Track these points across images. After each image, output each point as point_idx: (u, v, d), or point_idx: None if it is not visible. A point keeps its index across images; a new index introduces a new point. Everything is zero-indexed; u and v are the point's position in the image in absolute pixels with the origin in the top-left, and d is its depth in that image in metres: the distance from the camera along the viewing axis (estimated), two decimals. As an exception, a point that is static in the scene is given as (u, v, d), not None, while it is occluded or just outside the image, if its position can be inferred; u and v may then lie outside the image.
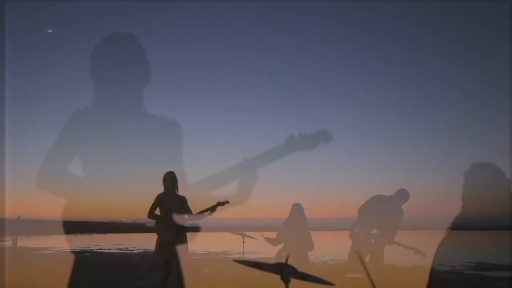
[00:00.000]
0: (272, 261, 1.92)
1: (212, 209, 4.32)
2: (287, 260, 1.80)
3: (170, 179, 4.54)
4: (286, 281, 1.72)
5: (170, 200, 4.62)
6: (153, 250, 4.74)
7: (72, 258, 2.09)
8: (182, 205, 4.57)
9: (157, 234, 4.67)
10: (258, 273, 5.24)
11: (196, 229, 4.87)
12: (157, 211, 4.65)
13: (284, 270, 1.73)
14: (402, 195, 5.35)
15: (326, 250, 12.84)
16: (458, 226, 2.51)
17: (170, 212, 4.55)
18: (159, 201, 4.62)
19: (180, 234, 4.56)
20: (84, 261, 11.45)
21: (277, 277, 1.75)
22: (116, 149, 2.09)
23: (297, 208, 5.51)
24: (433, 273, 2.49)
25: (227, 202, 4.06)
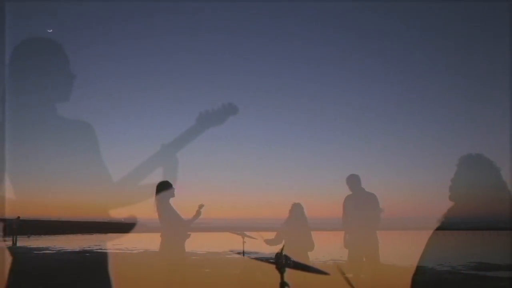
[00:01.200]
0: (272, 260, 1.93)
1: (196, 217, 4.81)
2: (282, 249, 1.81)
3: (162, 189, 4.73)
4: (281, 271, 1.73)
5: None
6: (156, 250, 4.99)
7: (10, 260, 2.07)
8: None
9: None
10: (258, 273, 5.26)
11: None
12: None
13: (278, 259, 1.74)
14: (351, 181, 5.36)
15: (326, 250, 12.83)
16: (454, 224, 2.51)
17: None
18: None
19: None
20: (84, 261, 11.45)
21: (277, 277, 1.75)
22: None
23: (297, 208, 5.50)
24: (418, 271, 2.51)
25: (202, 205, 4.83)
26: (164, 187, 4.32)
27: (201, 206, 4.86)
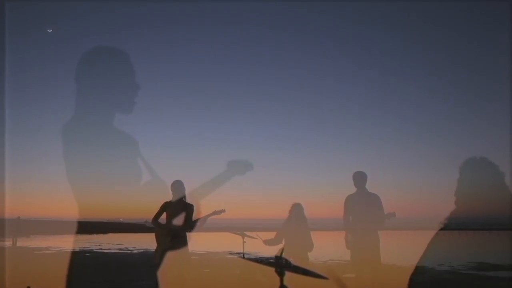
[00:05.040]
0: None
1: (208, 216, 4.83)
2: (281, 253, 1.81)
3: (175, 188, 4.76)
4: (280, 274, 1.73)
5: (174, 208, 4.79)
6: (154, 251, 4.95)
7: (69, 258, 2.14)
8: (184, 213, 4.77)
9: (156, 240, 4.86)
10: (258, 273, 5.25)
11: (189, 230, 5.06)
12: (164, 218, 4.85)
13: (278, 262, 1.74)
14: (358, 178, 5.32)
15: (326, 250, 12.83)
16: (455, 224, 2.52)
17: (171, 220, 4.78)
18: (163, 208, 4.82)
19: (174, 240, 4.71)
20: (83, 261, 11.46)
21: (277, 277, 1.75)
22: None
23: (296, 208, 5.49)
24: (416, 271, 2.53)
25: (223, 211, 4.78)
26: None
27: (219, 212, 4.78)
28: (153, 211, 4.80)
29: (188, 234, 4.95)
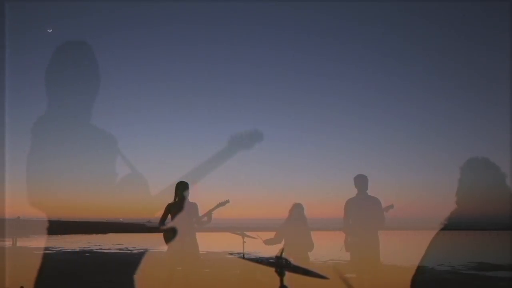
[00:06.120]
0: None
1: (213, 210, 4.83)
2: (281, 253, 1.81)
3: (178, 189, 4.79)
4: (280, 274, 1.73)
5: (177, 208, 4.81)
6: (155, 250, 4.99)
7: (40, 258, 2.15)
8: (189, 212, 4.79)
9: (164, 241, 4.85)
10: (258, 273, 5.25)
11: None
12: (169, 219, 4.86)
13: (277, 262, 1.74)
14: (360, 181, 5.31)
15: (326, 250, 12.83)
16: (455, 224, 2.52)
17: (176, 220, 4.80)
18: (167, 210, 4.83)
19: (185, 240, 4.74)
20: (84, 261, 11.46)
21: (277, 277, 1.74)
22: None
23: (297, 208, 5.50)
24: (417, 272, 2.53)
25: (228, 201, 4.77)
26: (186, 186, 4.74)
27: (223, 203, 4.77)
28: (152, 211, 4.81)
29: (196, 233, 4.98)
